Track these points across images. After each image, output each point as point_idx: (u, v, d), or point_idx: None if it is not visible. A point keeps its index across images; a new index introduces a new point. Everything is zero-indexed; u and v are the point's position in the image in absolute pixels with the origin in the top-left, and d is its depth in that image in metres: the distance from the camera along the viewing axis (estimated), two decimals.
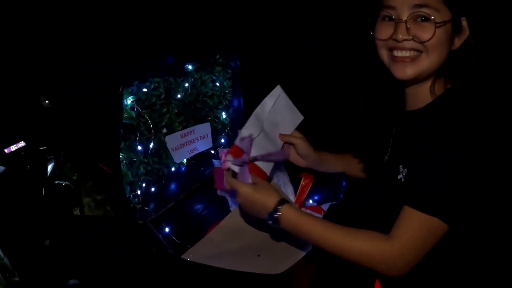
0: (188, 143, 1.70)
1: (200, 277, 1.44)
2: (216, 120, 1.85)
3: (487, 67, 1.07)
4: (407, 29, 1.06)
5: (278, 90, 1.33)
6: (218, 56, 1.76)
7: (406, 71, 1.09)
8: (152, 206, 1.54)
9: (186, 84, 1.66)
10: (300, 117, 1.42)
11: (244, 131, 1.27)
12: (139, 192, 1.47)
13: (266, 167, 1.33)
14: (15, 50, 1.40)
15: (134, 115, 1.40)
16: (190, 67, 1.67)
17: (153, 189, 1.56)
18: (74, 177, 1.45)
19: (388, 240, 1.03)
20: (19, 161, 1.37)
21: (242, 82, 1.83)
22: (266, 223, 1.18)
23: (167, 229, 1.47)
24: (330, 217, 1.47)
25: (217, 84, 1.80)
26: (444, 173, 0.99)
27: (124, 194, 1.38)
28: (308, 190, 1.66)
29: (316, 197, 1.80)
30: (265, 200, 1.16)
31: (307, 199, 1.73)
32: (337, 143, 1.74)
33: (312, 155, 1.43)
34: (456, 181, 0.99)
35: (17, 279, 1.32)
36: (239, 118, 1.88)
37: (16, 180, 1.38)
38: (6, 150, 1.34)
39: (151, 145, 1.51)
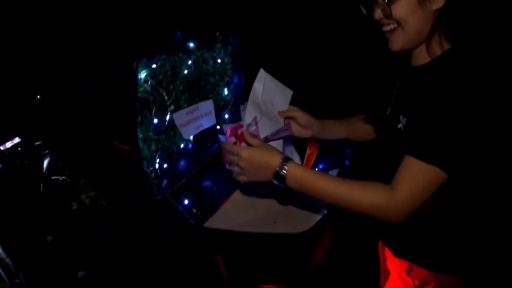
0: (194, 120, 1.71)
1: (202, 272, 1.47)
2: (219, 97, 1.87)
3: (480, 26, 1.09)
4: (378, 8, 1.13)
5: (262, 73, 1.38)
6: (218, 33, 1.77)
7: (393, 46, 1.17)
8: (165, 182, 1.55)
9: (190, 62, 1.67)
10: (290, 92, 1.46)
11: (247, 118, 1.30)
12: (156, 166, 1.48)
13: (277, 146, 1.35)
14: (11, 47, 1.39)
15: (149, 89, 1.41)
16: (191, 44, 1.68)
17: (165, 166, 1.57)
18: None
19: (391, 190, 1.09)
20: (15, 157, 1.37)
21: (242, 58, 1.85)
22: (272, 183, 1.19)
23: (186, 201, 1.49)
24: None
25: (218, 61, 1.81)
26: (443, 124, 1.04)
27: (142, 169, 1.38)
28: (314, 158, 1.70)
29: (321, 166, 1.84)
30: (269, 159, 1.17)
31: (313, 167, 1.77)
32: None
33: (314, 123, 1.46)
34: (454, 132, 1.03)
35: (18, 280, 1.32)
36: (241, 94, 1.91)
37: (14, 177, 1.37)
38: (1, 147, 1.33)
39: (167, 117, 1.51)
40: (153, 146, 1.52)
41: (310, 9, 1.89)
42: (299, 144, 1.60)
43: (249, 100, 1.35)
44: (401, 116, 1.19)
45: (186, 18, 1.63)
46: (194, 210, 1.46)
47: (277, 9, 1.93)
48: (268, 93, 1.38)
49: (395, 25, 1.13)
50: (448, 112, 1.03)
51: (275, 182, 1.18)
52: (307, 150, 1.66)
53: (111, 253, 1.53)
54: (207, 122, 1.81)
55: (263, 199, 1.58)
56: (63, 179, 1.50)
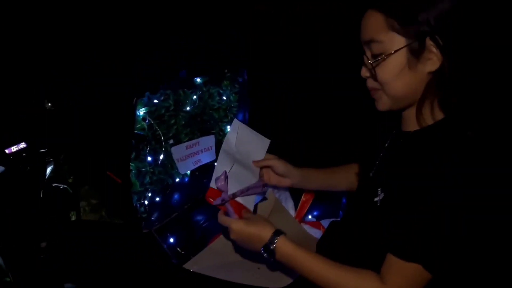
0: (192, 155, 1.73)
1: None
2: (221, 133, 1.88)
3: (480, 95, 1.01)
4: (365, 66, 1.06)
5: (236, 123, 1.35)
6: (226, 70, 1.80)
7: (378, 106, 1.09)
8: (156, 215, 1.56)
9: (194, 97, 1.70)
10: (267, 141, 1.41)
11: (218, 169, 1.27)
12: (146, 202, 1.50)
13: (247, 202, 1.30)
14: (22, 51, 1.42)
15: (146, 126, 1.43)
16: (198, 80, 1.70)
17: (158, 199, 1.58)
18: (70, 180, 1.47)
19: (382, 284, 1.03)
20: (19, 162, 1.39)
21: (248, 97, 1.86)
22: (261, 257, 1.16)
23: (171, 239, 1.49)
24: (330, 234, 1.49)
25: (224, 97, 1.83)
26: (429, 224, 0.96)
27: (131, 203, 1.40)
28: (308, 206, 1.69)
29: (315, 213, 1.82)
30: (260, 232, 1.14)
31: (307, 214, 1.76)
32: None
33: (293, 172, 1.40)
34: (440, 231, 0.95)
35: (9, 279, 1.33)
36: None
37: (15, 181, 1.39)
38: (6, 151, 1.35)
39: (161, 156, 1.53)
40: (147, 179, 1.53)
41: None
42: (295, 190, 1.60)
43: (221, 150, 1.32)
44: (379, 190, 1.12)
45: (197, 54, 1.65)
46: (178, 249, 1.46)
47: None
48: (243, 142, 1.35)
49: (378, 88, 1.06)
50: (431, 200, 0.95)
51: (265, 255, 1.15)
52: (302, 197, 1.66)
53: (101, 269, 1.54)
54: (207, 157, 1.82)
55: None
56: (63, 188, 1.51)
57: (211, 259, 1.44)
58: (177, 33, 1.59)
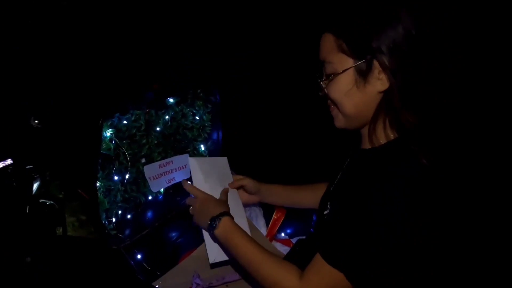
0: (166, 173, 1.75)
1: None
2: (195, 152, 1.91)
3: (431, 115, 1.03)
4: (321, 86, 1.11)
5: (192, 160, 1.46)
6: (199, 91, 1.84)
7: (335, 123, 1.14)
8: (127, 232, 1.59)
9: (167, 117, 1.74)
10: (224, 160, 1.51)
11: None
12: (114, 219, 1.52)
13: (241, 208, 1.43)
14: (6, 68, 1.45)
15: (112, 147, 1.47)
16: (171, 100, 1.75)
17: (129, 216, 1.61)
18: (61, 196, 1.50)
19: (299, 279, 1.06)
20: (5, 178, 1.41)
21: (221, 116, 1.90)
22: (205, 228, 1.28)
23: (139, 256, 1.52)
24: (295, 250, 1.51)
25: (197, 117, 1.87)
26: (356, 231, 0.98)
27: (99, 220, 1.43)
28: (279, 224, 1.72)
29: (288, 231, 1.85)
30: (215, 207, 1.27)
31: (279, 232, 1.79)
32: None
33: (261, 188, 1.49)
34: (364, 242, 0.98)
35: None
36: (217, 151, 1.95)
37: (1, 196, 1.41)
38: None
39: (127, 175, 1.57)
40: (118, 197, 1.57)
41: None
42: (267, 208, 1.63)
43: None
44: (328, 203, 1.16)
45: (168, 74, 1.69)
46: (145, 265, 1.48)
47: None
48: (209, 174, 1.42)
49: (333, 106, 1.11)
50: (361, 213, 0.98)
51: (208, 228, 1.26)
52: (274, 215, 1.68)
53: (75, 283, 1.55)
54: (181, 175, 1.85)
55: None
56: (50, 204, 1.53)
57: (180, 277, 1.47)
58: (150, 53, 1.63)
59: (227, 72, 1.86)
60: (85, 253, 1.56)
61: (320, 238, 1.08)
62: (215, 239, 1.27)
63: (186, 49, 1.73)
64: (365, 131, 1.11)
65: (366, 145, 1.12)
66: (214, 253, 1.34)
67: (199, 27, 1.76)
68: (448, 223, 1.11)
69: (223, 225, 1.22)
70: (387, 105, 1.04)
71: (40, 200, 1.50)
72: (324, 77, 1.09)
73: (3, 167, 1.42)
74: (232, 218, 1.25)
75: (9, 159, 1.42)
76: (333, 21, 1.07)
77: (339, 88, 1.06)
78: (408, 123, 1.02)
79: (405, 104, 1.01)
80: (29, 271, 1.43)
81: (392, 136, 1.08)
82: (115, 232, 1.53)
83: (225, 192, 1.39)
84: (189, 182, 1.40)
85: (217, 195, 1.37)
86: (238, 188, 1.48)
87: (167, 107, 1.74)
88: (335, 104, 1.09)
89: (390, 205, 0.96)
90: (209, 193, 1.36)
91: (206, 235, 1.33)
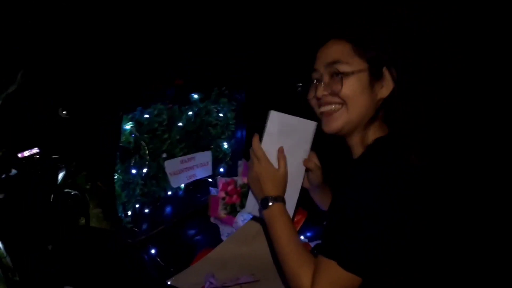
0: (187, 169, 1.75)
1: None
2: (218, 149, 1.90)
3: (421, 118, 1.11)
4: (325, 85, 1.15)
5: (272, 113, 1.28)
6: (224, 88, 1.82)
7: (331, 125, 1.16)
8: (144, 227, 1.59)
9: (190, 113, 1.72)
10: (312, 124, 1.28)
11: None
12: (130, 213, 1.52)
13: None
14: (41, 60, 1.47)
15: (132, 140, 1.47)
16: (195, 96, 1.73)
17: (147, 211, 1.61)
18: (88, 186, 1.51)
19: (313, 277, 1.09)
20: (31, 166, 1.44)
21: (246, 114, 1.88)
22: (257, 201, 1.29)
23: (153, 251, 1.51)
24: (313, 254, 1.48)
25: (221, 114, 1.86)
26: (358, 232, 1.01)
27: (116, 212, 1.43)
28: (299, 226, 1.69)
29: (308, 234, 1.81)
30: (274, 186, 1.24)
31: (299, 235, 1.75)
32: None
33: (319, 186, 1.42)
34: (369, 240, 1.01)
35: (17, 278, 1.37)
36: (240, 149, 1.93)
37: (26, 184, 1.44)
38: (19, 155, 1.40)
39: (147, 169, 1.56)
40: (137, 190, 1.56)
41: None
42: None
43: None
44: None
45: (194, 71, 1.68)
46: (159, 260, 1.47)
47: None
48: (286, 135, 1.27)
49: (338, 106, 1.14)
50: (353, 207, 1.02)
51: (259, 202, 1.27)
52: (294, 217, 1.65)
53: (94, 273, 1.57)
54: (202, 172, 1.85)
55: (238, 261, 1.56)
56: (74, 194, 1.56)
57: (195, 277, 1.45)
58: (177, 50, 1.62)
59: (253, 71, 1.84)
60: (105, 245, 1.58)
61: (321, 245, 1.14)
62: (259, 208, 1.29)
63: (215, 45, 1.72)
64: (353, 140, 1.19)
65: (356, 152, 1.19)
66: (251, 206, 1.34)
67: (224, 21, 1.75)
68: (441, 221, 1.16)
69: (273, 209, 1.22)
70: (385, 109, 1.14)
71: (65, 190, 1.52)
72: (334, 75, 1.14)
73: (30, 155, 1.44)
74: (284, 205, 1.24)
75: (36, 148, 1.44)
76: (345, 27, 1.17)
77: (355, 85, 1.11)
78: (400, 122, 1.13)
79: (404, 110, 1.12)
80: (50, 259, 1.46)
81: (378, 134, 1.15)
82: (131, 225, 1.53)
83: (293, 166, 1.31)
84: (258, 138, 1.26)
85: (283, 162, 1.27)
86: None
87: (191, 103, 1.72)
88: (345, 100, 1.13)
89: (379, 198, 1.00)
90: (277, 156, 1.26)
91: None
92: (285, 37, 1.86)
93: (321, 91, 1.15)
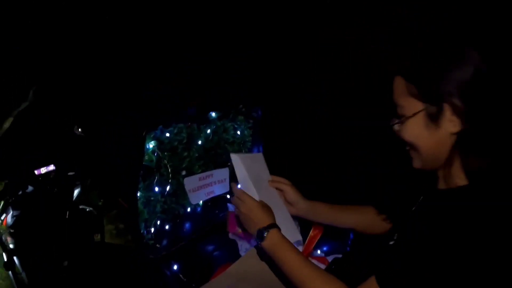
0: (205, 186, 1.78)
1: None
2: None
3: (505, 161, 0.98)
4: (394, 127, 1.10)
5: (233, 156, 1.43)
6: (241, 106, 1.86)
7: (413, 164, 1.12)
8: (164, 243, 1.62)
9: (208, 131, 1.77)
10: (260, 155, 1.53)
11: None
12: (153, 229, 1.56)
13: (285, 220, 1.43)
14: (55, 79, 1.52)
15: (155, 159, 1.51)
16: (213, 114, 1.78)
17: (167, 227, 1.64)
18: (100, 203, 1.55)
19: None
20: (47, 183, 1.47)
21: (262, 132, 1.92)
22: (253, 237, 1.30)
23: (175, 267, 1.54)
24: (331, 269, 1.50)
25: (238, 132, 1.90)
26: (423, 272, 0.96)
27: (138, 229, 1.46)
28: (316, 241, 1.70)
29: (325, 248, 1.83)
30: (263, 218, 1.27)
31: (315, 249, 1.77)
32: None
33: (301, 202, 1.48)
34: (425, 281, 0.96)
35: None
36: None
37: (43, 201, 1.47)
38: (36, 172, 1.44)
39: (168, 187, 1.60)
40: (158, 207, 1.60)
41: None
42: (303, 224, 1.62)
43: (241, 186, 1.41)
44: (396, 234, 1.16)
45: (212, 89, 1.73)
46: (181, 276, 1.50)
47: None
48: (250, 170, 1.42)
49: (408, 147, 1.10)
50: (428, 254, 0.96)
51: (256, 238, 1.27)
52: (311, 232, 1.67)
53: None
54: (220, 189, 1.87)
55: (257, 277, 1.58)
56: (89, 210, 1.59)
57: None
58: (194, 69, 1.67)
59: (269, 87, 1.88)
60: (121, 261, 1.61)
61: (381, 265, 1.06)
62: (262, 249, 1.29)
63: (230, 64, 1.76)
64: (440, 171, 1.09)
65: (441, 185, 1.10)
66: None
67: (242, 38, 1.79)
68: None
69: (270, 238, 1.23)
70: (460, 147, 1.02)
71: (80, 207, 1.56)
72: (397, 120, 1.09)
73: (46, 173, 1.48)
74: (279, 230, 1.26)
75: (52, 165, 1.48)
76: (403, 63, 1.06)
77: (410, 131, 1.06)
78: (479, 170, 1.01)
79: (478, 147, 1.00)
80: (66, 275, 1.49)
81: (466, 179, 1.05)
82: (152, 242, 1.56)
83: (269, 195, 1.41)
84: (238, 186, 1.41)
85: (260, 192, 1.38)
86: (278, 190, 1.49)
87: (209, 121, 1.77)
88: (410, 146, 1.09)
89: (468, 251, 0.94)
90: (254, 188, 1.37)
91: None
92: (298, 51, 1.90)
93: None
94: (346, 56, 1.77)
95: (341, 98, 1.81)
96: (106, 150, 1.59)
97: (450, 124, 1.00)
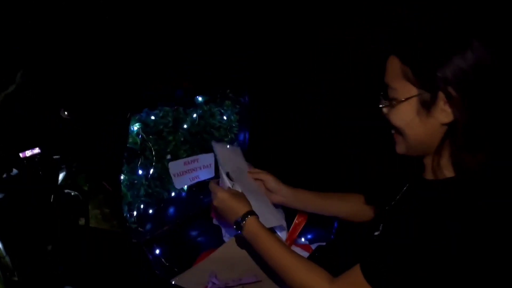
0: (190, 171, 1.76)
1: None
2: None
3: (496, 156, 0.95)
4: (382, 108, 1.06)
5: (215, 145, 1.50)
6: (228, 91, 1.85)
7: (396, 148, 1.08)
8: (148, 227, 1.61)
9: (195, 115, 1.75)
10: (238, 149, 1.57)
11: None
12: (135, 213, 1.54)
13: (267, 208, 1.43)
14: (42, 59, 1.49)
15: (139, 141, 1.49)
16: (200, 99, 1.76)
17: (151, 211, 1.63)
18: (86, 188, 1.53)
19: (331, 284, 1.05)
20: (32, 166, 1.45)
21: (249, 117, 1.90)
22: (231, 228, 1.29)
23: (158, 251, 1.53)
24: (314, 256, 1.50)
25: (225, 117, 1.88)
26: (409, 262, 0.95)
27: (121, 213, 1.44)
28: (300, 229, 1.70)
29: (309, 236, 1.84)
30: (238, 207, 1.26)
31: (299, 237, 1.77)
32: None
33: (283, 189, 1.46)
34: (412, 273, 0.95)
35: (16, 278, 1.38)
36: (244, 152, 1.95)
37: (27, 184, 1.45)
38: (21, 155, 1.42)
39: (151, 170, 1.58)
40: (141, 191, 1.58)
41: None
42: (288, 212, 1.62)
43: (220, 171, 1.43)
44: (381, 225, 1.13)
45: (199, 73, 1.70)
46: (163, 260, 1.49)
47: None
48: (230, 160, 1.47)
49: (394, 130, 1.06)
50: (413, 246, 0.94)
51: (234, 227, 1.27)
52: (295, 219, 1.67)
53: (95, 273, 1.58)
54: (205, 174, 1.86)
55: (241, 262, 1.58)
56: (75, 194, 1.57)
57: (198, 277, 1.47)
58: (181, 52, 1.64)
59: (256, 73, 1.86)
60: (106, 245, 1.60)
61: (366, 255, 1.04)
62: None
63: (218, 47, 1.74)
64: (428, 160, 1.06)
65: (429, 175, 1.06)
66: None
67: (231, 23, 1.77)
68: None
69: (248, 227, 1.22)
70: (451, 139, 0.98)
71: (65, 191, 1.53)
72: (387, 102, 1.04)
73: (31, 156, 1.45)
74: (257, 217, 1.25)
75: (37, 148, 1.46)
76: (400, 44, 1.01)
77: (400, 116, 1.01)
78: (468, 164, 0.97)
79: (469, 142, 0.96)
80: (50, 259, 1.47)
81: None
82: (135, 226, 1.55)
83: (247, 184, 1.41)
84: (213, 182, 1.42)
85: (238, 182, 1.39)
86: (258, 180, 1.49)
87: (195, 105, 1.75)
88: (397, 130, 1.05)
89: (455, 244, 0.92)
90: (225, 177, 1.40)
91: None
92: (287, 37, 1.88)
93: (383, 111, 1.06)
94: (346, 56, 1.76)
95: (341, 97, 1.81)
96: (90, 133, 1.56)
97: (442, 114, 0.96)
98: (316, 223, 1.74)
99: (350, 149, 1.82)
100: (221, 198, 1.29)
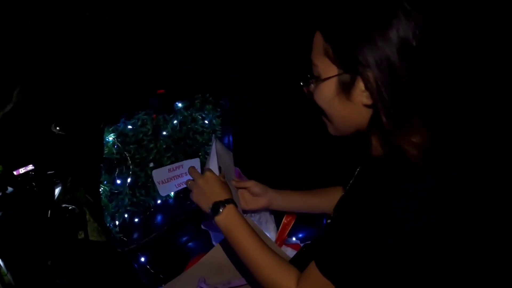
0: (175, 177, 1.76)
1: None
2: (206, 156, 1.91)
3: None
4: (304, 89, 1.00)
5: (215, 141, 1.41)
6: (208, 95, 1.84)
7: (328, 130, 1.02)
8: (135, 236, 1.60)
9: (175, 121, 1.75)
10: (231, 153, 1.50)
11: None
12: (117, 222, 1.54)
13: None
14: (35, 79, 1.50)
15: (115, 151, 1.49)
16: (180, 104, 1.76)
17: (136, 220, 1.63)
18: (91, 200, 1.52)
19: (296, 284, 1.01)
20: (26, 183, 1.46)
21: (231, 120, 1.90)
22: (207, 212, 1.18)
23: (142, 259, 1.53)
24: (302, 251, 1.49)
25: (207, 121, 1.88)
26: (356, 246, 0.90)
27: (103, 223, 1.45)
28: (289, 228, 1.69)
29: (300, 235, 1.82)
30: (222, 191, 1.17)
31: (290, 236, 1.76)
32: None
33: (269, 192, 1.41)
34: (362, 257, 0.90)
35: None
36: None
37: (23, 201, 1.46)
38: (15, 172, 1.42)
39: (130, 179, 1.58)
40: (126, 200, 1.58)
41: None
42: (278, 212, 1.61)
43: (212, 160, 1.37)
44: (334, 211, 1.11)
45: (177, 79, 1.71)
46: (148, 268, 1.49)
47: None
48: (225, 159, 1.41)
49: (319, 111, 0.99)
50: (364, 229, 0.89)
51: (209, 212, 1.17)
52: (284, 219, 1.66)
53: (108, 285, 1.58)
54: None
55: (231, 266, 1.57)
56: (72, 208, 1.57)
57: (188, 283, 1.46)
58: (159, 61, 1.65)
59: (230, 75, 1.86)
60: (99, 256, 1.59)
61: (318, 246, 1.02)
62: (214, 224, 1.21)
63: (187, 49, 1.74)
64: (373, 139, 0.99)
65: (376, 151, 0.99)
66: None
67: (202, 28, 1.76)
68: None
69: (226, 213, 1.14)
70: (375, 119, 0.90)
71: (63, 205, 1.54)
72: (312, 80, 0.96)
73: (25, 172, 1.46)
74: (237, 207, 1.17)
75: (31, 165, 1.46)
76: (324, 20, 0.92)
77: (321, 96, 0.94)
78: (399, 143, 0.88)
79: (393, 123, 0.87)
80: (50, 274, 1.47)
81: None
82: (120, 235, 1.54)
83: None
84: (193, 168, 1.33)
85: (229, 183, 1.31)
86: (242, 190, 1.43)
87: (175, 112, 1.75)
88: (321, 111, 0.98)
89: (397, 224, 0.87)
90: (225, 176, 1.31)
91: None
92: (270, 38, 1.88)
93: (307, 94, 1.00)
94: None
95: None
96: (72, 146, 1.57)
97: (363, 95, 0.88)
98: (306, 222, 1.72)
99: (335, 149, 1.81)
100: (208, 177, 1.20)
